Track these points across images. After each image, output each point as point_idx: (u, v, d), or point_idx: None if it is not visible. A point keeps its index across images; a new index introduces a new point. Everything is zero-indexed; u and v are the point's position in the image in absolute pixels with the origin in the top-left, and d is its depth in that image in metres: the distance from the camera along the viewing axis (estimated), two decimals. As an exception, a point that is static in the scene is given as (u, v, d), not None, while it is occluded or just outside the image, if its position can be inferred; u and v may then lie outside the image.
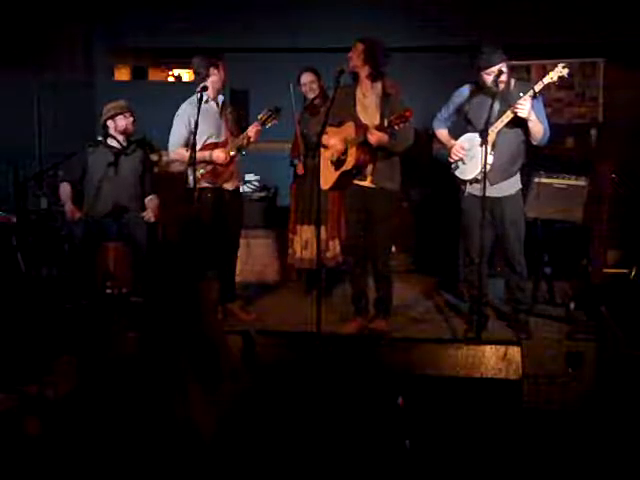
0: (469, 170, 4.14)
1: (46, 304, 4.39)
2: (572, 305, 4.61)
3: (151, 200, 4.83)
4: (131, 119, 4.79)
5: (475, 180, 4.12)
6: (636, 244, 5.01)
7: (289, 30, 6.36)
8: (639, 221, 5.20)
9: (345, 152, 4.22)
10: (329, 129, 4.15)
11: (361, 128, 4.15)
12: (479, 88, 4.11)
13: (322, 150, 4.22)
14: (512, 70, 4.18)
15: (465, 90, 4.22)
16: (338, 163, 4.27)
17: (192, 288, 2.77)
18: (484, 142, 3.92)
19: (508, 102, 4.01)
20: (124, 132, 4.79)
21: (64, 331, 4.01)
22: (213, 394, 2.59)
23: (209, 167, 4.46)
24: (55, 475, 2.84)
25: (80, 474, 2.78)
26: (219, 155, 4.42)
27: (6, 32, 6.22)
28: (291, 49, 6.27)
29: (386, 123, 4.03)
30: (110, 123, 4.77)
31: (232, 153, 4.47)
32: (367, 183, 4.28)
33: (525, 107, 3.90)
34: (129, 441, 2.59)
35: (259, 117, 4.44)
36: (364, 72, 4.21)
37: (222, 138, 4.52)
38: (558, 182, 4.87)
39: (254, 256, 5.73)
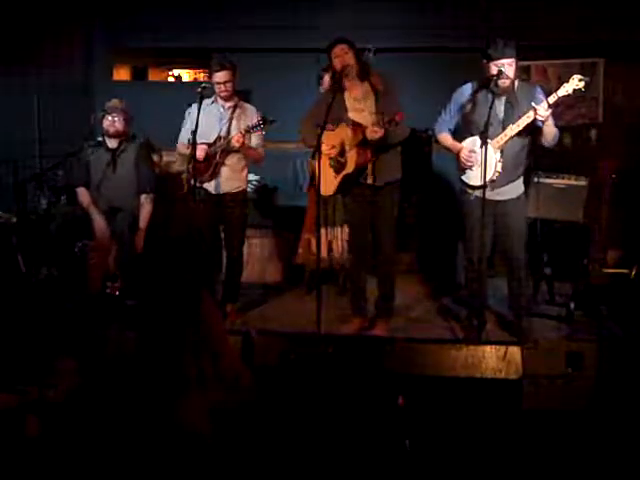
0: (476, 176, 4.01)
1: (46, 304, 4.39)
2: (572, 305, 4.61)
3: (146, 198, 4.74)
4: (117, 119, 4.67)
5: (482, 186, 3.98)
6: (636, 244, 5.01)
7: (290, 30, 6.36)
8: (639, 221, 5.20)
9: (343, 154, 4.18)
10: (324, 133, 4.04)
11: (358, 128, 4.08)
12: (483, 85, 3.98)
13: (321, 155, 4.15)
14: (518, 69, 3.98)
15: (467, 89, 4.10)
16: (338, 167, 4.22)
17: (193, 289, 2.77)
18: (484, 143, 3.87)
19: (512, 103, 3.94)
20: (109, 133, 4.70)
21: (64, 331, 4.01)
22: (214, 396, 2.60)
23: (191, 165, 4.44)
24: (55, 475, 2.84)
25: (80, 474, 2.78)
26: (199, 153, 4.43)
27: (6, 32, 6.22)
28: (292, 49, 6.27)
29: (380, 123, 3.95)
30: (102, 123, 4.74)
31: (211, 153, 4.48)
32: (370, 181, 4.23)
33: (545, 117, 3.81)
34: (129, 442, 2.59)
35: (248, 125, 4.45)
36: (354, 70, 4.14)
37: (213, 139, 4.52)
38: (558, 182, 4.87)
39: (254, 256, 5.72)
